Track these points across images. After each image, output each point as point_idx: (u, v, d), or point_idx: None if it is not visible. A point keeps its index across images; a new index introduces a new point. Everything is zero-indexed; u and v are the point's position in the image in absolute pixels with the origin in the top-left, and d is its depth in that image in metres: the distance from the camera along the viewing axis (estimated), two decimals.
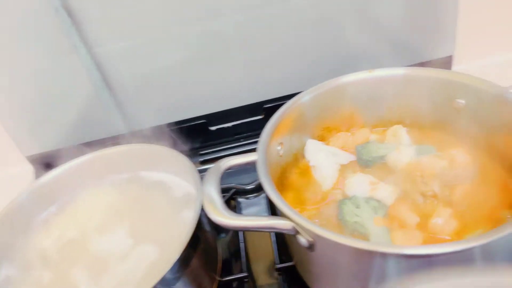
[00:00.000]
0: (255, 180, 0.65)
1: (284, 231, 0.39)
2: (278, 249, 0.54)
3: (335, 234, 0.34)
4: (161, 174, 0.56)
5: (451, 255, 0.31)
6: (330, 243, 0.34)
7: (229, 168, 0.46)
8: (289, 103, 0.51)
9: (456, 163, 0.48)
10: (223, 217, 0.39)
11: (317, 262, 0.41)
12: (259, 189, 0.65)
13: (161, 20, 0.64)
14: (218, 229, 0.58)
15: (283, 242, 0.54)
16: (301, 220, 0.36)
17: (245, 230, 0.55)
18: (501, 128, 0.46)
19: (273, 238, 0.55)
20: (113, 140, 0.72)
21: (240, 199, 0.65)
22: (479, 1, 0.66)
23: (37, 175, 0.73)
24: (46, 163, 0.73)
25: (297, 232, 0.38)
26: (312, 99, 0.52)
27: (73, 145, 0.73)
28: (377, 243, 0.38)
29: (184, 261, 0.42)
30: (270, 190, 0.40)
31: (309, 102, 0.52)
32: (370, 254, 0.33)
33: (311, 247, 0.38)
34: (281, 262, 0.52)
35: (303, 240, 0.38)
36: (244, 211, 0.63)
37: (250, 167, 0.46)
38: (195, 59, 0.67)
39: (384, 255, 0.33)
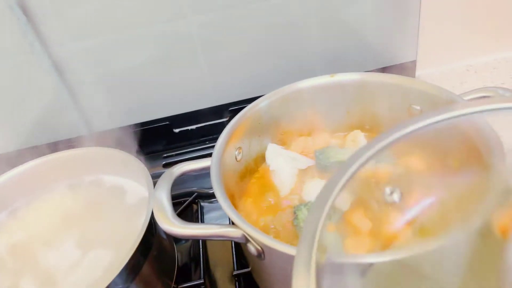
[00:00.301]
0: None
1: (234, 240, 0.38)
2: (237, 256, 0.53)
3: (281, 244, 0.33)
4: (117, 178, 0.55)
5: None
6: (277, 252, 0.34)
7: (183, 174, 0.45)
8: (246, 108, 0.50)
9: (412, 170, 0.48)
10: (171, 225, 0.38)
11: (268, 270, 0.40)
12: None
13: (122, 20, 0.62)
14: None
15: (242, 249, 0.53)
16: (248, 228, 0.35)
17: (195, 239, 0.54)
18: (455, 135, 0.47)
19: (233, 244, 0.54)
20: (74, 142, 0.70)
21: (203, 203, 0.64)
22: (441, 8, 0.67)
23: None
24: (3, 165, 0.70)
25: (247, 241, 0.37)
26: (271, 103, 0.51)
27: (33, 146, 0.70)
28: None
29: (132, 269, 0.41)
30: (220, 197, 0.39)
31: (268, 106, 0.52)
32: None
33: (260, 255, 0.37)
34: (238, 269, 0.51)
35: (252, 248, 0.37)
36: (206, 216, 0.62)
37: None
38: (158, 60, 0.66)
39: None
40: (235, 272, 0.51)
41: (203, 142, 0.74)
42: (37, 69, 0.63)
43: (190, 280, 0.52)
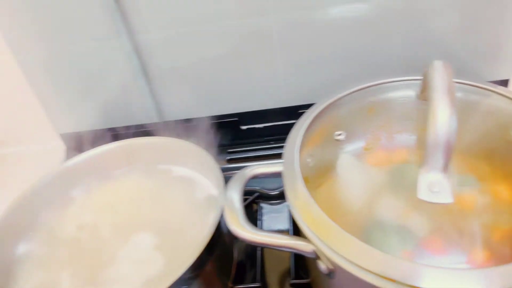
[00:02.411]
0: (281, 187, 0.63)
1: (304, 254, 0.37)
2: (296, 263, 0.52)
3: (357, 268, 0.31)
4: (187, 171, 0.55)
5: None
6: (350, 276, 0.32)
7: (255, 177, 0.44)
8: (321, 107, 0.48)
9: (500, 200, 0.44)
10: (243, 229, 0.37)
11: None
12: (283, 196, 0.63)
13: (206, 13, 0.62)
14: None
15: (302, 256, 0.52)
16: (322, 246, 0.34)
17: (263, 247, 0.54)
18: None
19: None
20: (145, 128, 0.72)
21: (262, 204, 0.63)
22: None
23: (68, 153, 0.75)
24: (77, 142, 0.74)
25: (318, 257, 0.36)
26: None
27: (105, 128, 0.74)
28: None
29: (197, 267, 0.41)
30: (294, 208, 0.38)
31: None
32: None
33: (330, 274, 0.36)
34: (296, 277, 0.50)
35: (323, 266, 0.36)
36: (265, 217, 0.62)
37: None
38: (234, 55, 0.66)
39: None
40: (292, 281, 0.50)
41: (268, 142, 0.73)
42: (120, 55, 0.66)
43: (244, 281, 0.52)
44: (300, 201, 0.38)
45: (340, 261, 0.32)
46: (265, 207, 0.63)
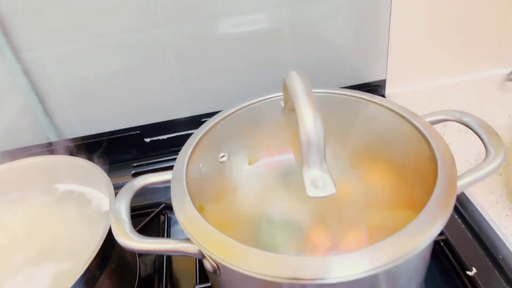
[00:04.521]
0: None
1: (191, 255, 0.38)
2: (199, 269, 0.53)
3: (233, 262, 0.33)
4: (79, 188, 0.54)
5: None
6: (231, 270, 0.34)
7: (144, 187, 0.44)
8: (215, 117, 0.50)
9: (370, 184, 0.48)
10: (127, 239, 0.38)
11: (224, 287, 0.40)
12: None
13: (95, 27, 0.62)
14: None
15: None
16: (202, 244, 0.35)
17: (152, 253, 0.54)
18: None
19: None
20: (42, 148, 0.69)
21: (170, 215, 0.64)
22: (411, 29, 0.69)
23: None
24: None
25: (203, 256, 0.37)
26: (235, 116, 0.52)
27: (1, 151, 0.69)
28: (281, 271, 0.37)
29: (87, 282, 0.40)
30: (177, 210, 0.39)
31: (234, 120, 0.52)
32: (274, 284, 0.33)
33: (216, 272, 0.37)
34: (200, 282, 0.51)
35: (208, 265, 0.37)
36: (173, 227, 0.62)
37: None
38: (131, 69, 0.66)
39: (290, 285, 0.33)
40: (196, 287, 0.51)
41: (175, 152, 0.73)
42: (6, 74, 0.62)
43: None
44: (184, 207, 0.39)
45: (217, 256, 0.34)
46: (173, 217, 0.63)
